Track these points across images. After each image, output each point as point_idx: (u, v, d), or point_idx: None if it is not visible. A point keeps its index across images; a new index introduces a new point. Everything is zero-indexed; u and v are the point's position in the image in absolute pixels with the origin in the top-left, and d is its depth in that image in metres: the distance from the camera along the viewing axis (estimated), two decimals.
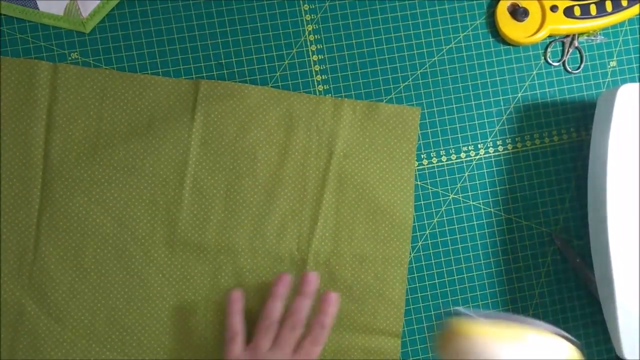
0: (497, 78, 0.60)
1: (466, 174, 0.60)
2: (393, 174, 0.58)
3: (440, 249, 0.59)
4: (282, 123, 0.57)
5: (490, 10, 0.60)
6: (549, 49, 0.61)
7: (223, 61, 0.58)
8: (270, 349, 0.53)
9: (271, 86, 0.58)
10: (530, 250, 0.60)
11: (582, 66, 0.61)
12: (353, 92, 0.59)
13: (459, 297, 0.59)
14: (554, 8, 0.59)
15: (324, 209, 0.57)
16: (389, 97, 0.59)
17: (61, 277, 0.55)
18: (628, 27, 0.61)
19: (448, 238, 0.59)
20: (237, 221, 0.57)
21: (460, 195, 0.60)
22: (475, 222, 0.60)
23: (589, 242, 0.58)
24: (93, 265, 0.56)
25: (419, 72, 0.59)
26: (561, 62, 0.61)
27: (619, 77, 0.61)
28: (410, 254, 0.59)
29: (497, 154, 0.60)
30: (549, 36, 0.60)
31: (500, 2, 0.59)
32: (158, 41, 0.57)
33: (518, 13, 0.59)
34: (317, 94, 0.58)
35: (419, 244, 0.59)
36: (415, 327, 0.59)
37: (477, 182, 0.60)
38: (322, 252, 0.57)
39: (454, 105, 0.60)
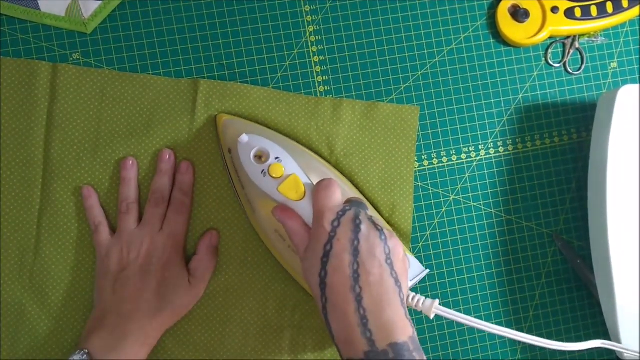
0: (498, 79, 0.60)
1: (467, 175, 0.60)
2: (393, 173, 0.58)
3: (441, 250, 0.59)
4: (281, 123, 0.57)
5: (491, 12, 0.60)
6: (549, 50, 0.61)
7: (224, 62, 0.58)
8: (137, 227, 0.54)
9: (272, 87, 0.58)
10: (531, 251, 0.60)
11: (582, 67, 0.61)
12: (354, 93, 0.59)
13: (460, 297, 0.59)
14: (554, 9, 0.59)
15: None
16: (389, 97, 0.59)
17: (62, 277, 0.55)
18: (629, 29, 0.62)
19: (449, 239, 0.60)
20: (237, 221, 0.57)
21: (461, 196, 0.60)
22: (475, 223, 0.60)
23: (589, 243, 0.58)
24: (94, 265, 0.56)
25: (419, 73, 0.59)
26: (562, 63, 0.61)
27: (619, 79, 0.62)
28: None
29: (497, 154, 0.60)
30: (550, 37, 0.60)
31: (501, 3, 0.59)
32: (159, 42, 0.57)
33: (519, 14, 0.59)
34: (318, 94, 0.58)
35: (420, 244, 0.59)
36: (415, 327, 0.59)
37: (478, 183, 0.60)
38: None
39: (455, 106, 0.60)
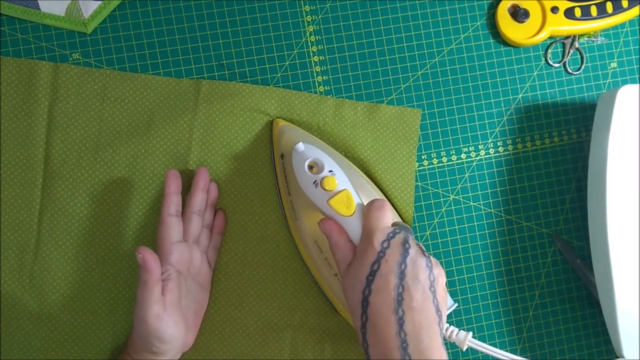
0: (498, 79, 0.60)
1: (467, 175, 0.60)
2: (394, 175, 0.58)
3: (441, 250, 0.59)
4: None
5: (491, 12, 0.60)
6: (549, 50, 0.61)
7: (224, 62, 0.58)
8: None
9: (272, 86, 0.58)
10: (531, 251, 0.60)
11: (582, 67, 0.61)
12: (354, 93, 0.59)
13: (459, 297, 0.59)
14: (554, 9, 0.59)
15: None
16: (389, 97, 0.59)
17: (62, 277, 0.55)
18: (629, 29, 0.62)
19: (448, 239, 0.60)
20: (237, 221, 0.57)
21: (461, 196, 0.60)
22: (475, 223, 0.60)
23: (589, 243, 0.58)
24: (94, 265, 0.56)
25: (419, 72, 0.59)
26: (562, 63, 0.61)
27: (619, 78, 0.62)
28: None
29: (497, 154, 0.60)
30: (550, 37, 0.60)
31: (501, 3, 0.59)
32: (159, 42, 0.57)
33: (519, 14, 0.59)
34: (318, 94, 0.58)
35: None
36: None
37: (478, 182, 0.60)
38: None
39: (455, 106, 0.60)
